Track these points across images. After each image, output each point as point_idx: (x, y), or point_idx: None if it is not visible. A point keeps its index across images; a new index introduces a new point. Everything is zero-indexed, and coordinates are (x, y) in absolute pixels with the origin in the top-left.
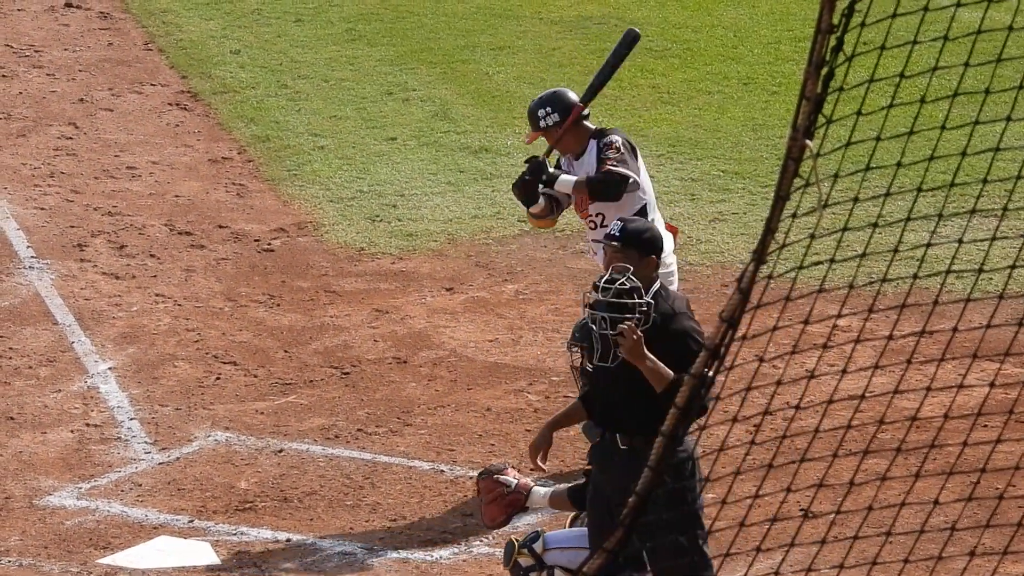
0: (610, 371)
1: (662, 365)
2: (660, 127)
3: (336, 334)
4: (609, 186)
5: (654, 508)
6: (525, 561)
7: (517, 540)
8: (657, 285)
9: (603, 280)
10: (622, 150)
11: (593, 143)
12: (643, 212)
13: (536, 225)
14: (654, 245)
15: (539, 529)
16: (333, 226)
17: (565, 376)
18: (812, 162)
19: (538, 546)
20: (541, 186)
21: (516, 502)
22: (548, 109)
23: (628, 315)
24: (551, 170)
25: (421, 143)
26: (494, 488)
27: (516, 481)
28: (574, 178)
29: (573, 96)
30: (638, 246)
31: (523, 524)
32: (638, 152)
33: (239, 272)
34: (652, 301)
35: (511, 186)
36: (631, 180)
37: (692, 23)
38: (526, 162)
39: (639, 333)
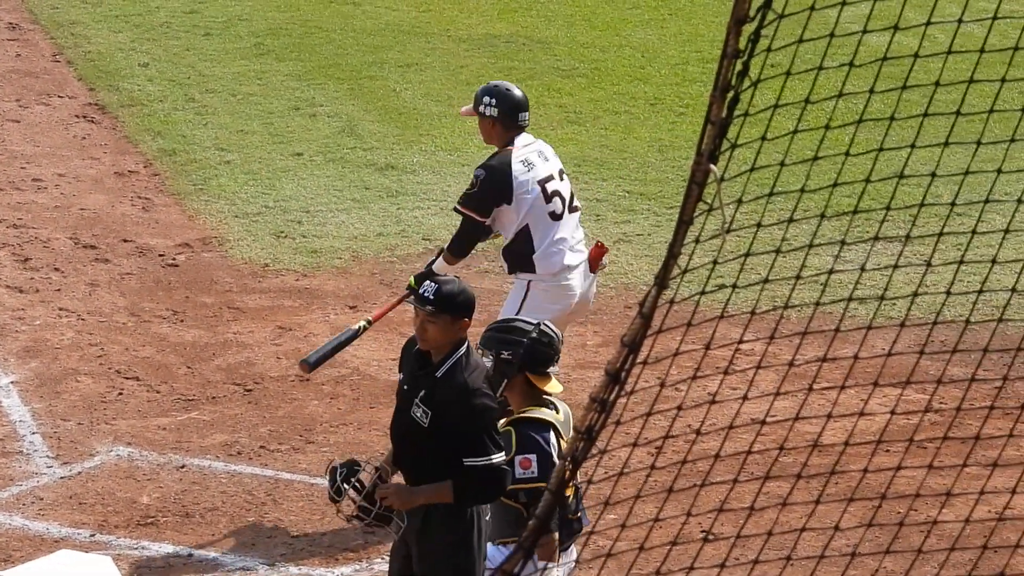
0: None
1: (436, 488)
2: (566, 147)
3: (239, 351)
4: (461, 234)
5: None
6: None
7: None
8: (462, 350)
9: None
10: (477, 188)
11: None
12: (526, 235)
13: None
14: (468, 308)
15: None
16: (238, 241)
17: None
18: (716, 186)
19: None
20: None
21: None
22: (493, 100)
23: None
24: (424, 272)
25: (327, 159)
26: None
27: None
28: (439, 260)
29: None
30: (451, 310)
31: None
32: (513, 181)
33: (143, 287)
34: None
35: None
36: (481, 225)
37: (600, 43)
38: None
39: (391, 490)
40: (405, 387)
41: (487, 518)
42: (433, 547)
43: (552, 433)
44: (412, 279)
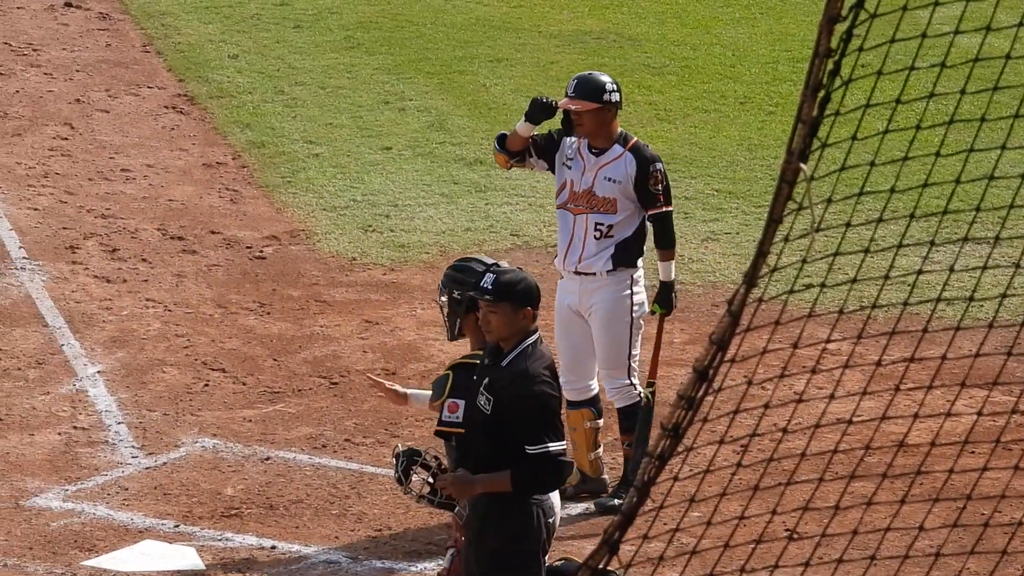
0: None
1: (494, 476)
2: (655, 144)
3: (326, 344)
4: (669, 234)
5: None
6: None
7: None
8: (529, 340)
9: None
10: (666, 182)
11: (627, 153)
12: (643, 228)
13: (496, 158)
14: (528, 297)
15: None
16: (325, 235)
17: None
18: (806, 185)
19: None
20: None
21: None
22: (615, 86)
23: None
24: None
25: (416, 153)
26: None
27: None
28: (665, 264)
29: None
30: (510, 298)
31: None
32: None
33: (230, 279)
34: None
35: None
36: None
37: (691, 40)
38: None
39: (449, 479)
40: (475, 377)
41: (552, 520)
42: (486, 548)
43: None
44: (655, 307)
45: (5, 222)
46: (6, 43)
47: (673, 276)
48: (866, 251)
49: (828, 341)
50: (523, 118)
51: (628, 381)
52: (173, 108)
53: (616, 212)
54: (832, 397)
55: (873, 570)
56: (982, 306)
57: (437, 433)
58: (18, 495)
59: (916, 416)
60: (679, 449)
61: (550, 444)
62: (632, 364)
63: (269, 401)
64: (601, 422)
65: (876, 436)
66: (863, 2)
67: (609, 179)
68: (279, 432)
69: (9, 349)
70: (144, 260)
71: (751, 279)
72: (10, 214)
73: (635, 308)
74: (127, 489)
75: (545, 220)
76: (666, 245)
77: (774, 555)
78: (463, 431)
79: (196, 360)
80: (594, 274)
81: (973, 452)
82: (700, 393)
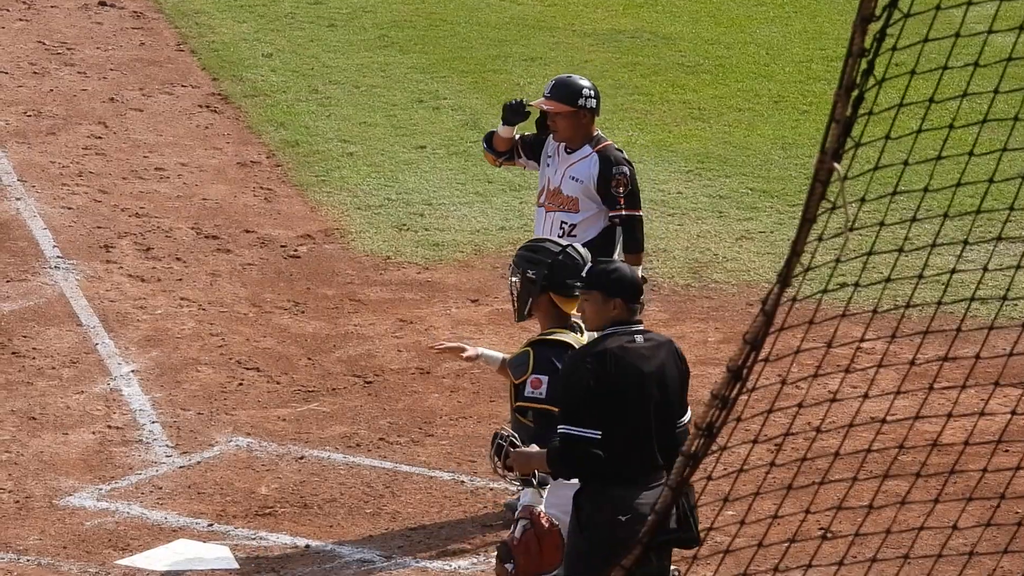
0: None
1: (539, 452)
2: (690, 143)
3: (360, 343)
4: (638, 235)
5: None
6: None
7: None
8: (616, 330)
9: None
10: (631, 186)
11: (593, 154)
12: (611, 233)
13: (485, 157)
14: (619, 287)
15: None
16: (360, 234)
17: None
18: (840, 184)
19: None
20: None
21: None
22: (592, 92)
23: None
24: None
25: (450, 152)
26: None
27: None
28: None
29: None
30: (600, 287)
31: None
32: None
33: (264, 278)
34: None
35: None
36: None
37: (725, 39)
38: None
39: (512, 455)
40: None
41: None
42: (570, 529)
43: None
44: None
45: (39, 221)
46: (40, 42)
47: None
48: (900, 250)
49: (862, 340)
50: (500, 121)
51: None
52: (207, 107)
53: (578, 211)
54: (866, 396)
55: (907, 569)
56: (1016, 305)
57: (517, 409)
58: (52, 494)
59: (950, 415)
60: (713, 448)
61: (571, 428)
62: None
63: (303, 400)
64: None
65: (910, 435)
66: (896, 2)
67: (574, 178)
68: (313, 431)
69: (43, 348)
70: (178, 259)
71: (785, 278)
72: (44, 213)
73: None
74: (161, 488)
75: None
76: (632, 249)
77: (808, 554)
78: (548, 407)
79: (230, 359)
80: None
81: (1007, 451)
82: (734, 392)
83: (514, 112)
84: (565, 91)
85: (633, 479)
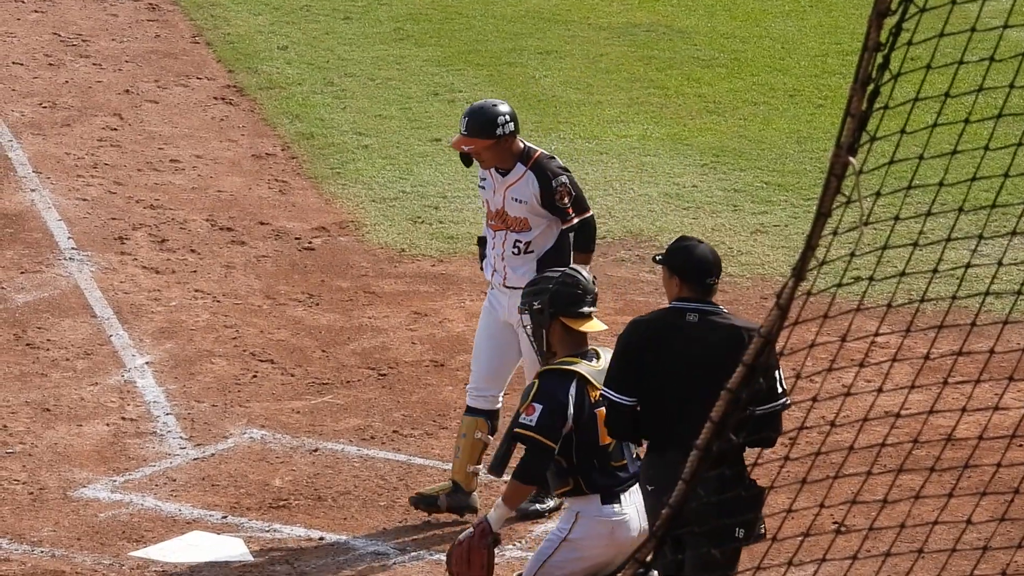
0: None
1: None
2: (705, 136)
3: (374, 335)
4: (590, 237)
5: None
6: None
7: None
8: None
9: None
10: (574, 192)
11: (528, 172)
12: (565, 238)
13: None
14: (681, 267)
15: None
16: (374, 226)
17: None
18: (855, 179)
19: None
20: None
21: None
22: (508, 116)
23: None
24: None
25: None
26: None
27: (472, 530)
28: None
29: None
30: (667, 262)
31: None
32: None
33: (279, 270)
34: None
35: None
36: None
37: (740, 33)
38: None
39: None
40: None
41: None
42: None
43: (574, 384)
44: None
45: (54, 212)
46: (55, 33)
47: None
48: (915, 244)
49: (876, 334)
50: None
51: None
52: (222, 99)
53: (530, 229)
54: (880, 390)
55: (921, 563)
56: None
57: (514, 436)
58: (66, 486)
59: (964, 409)
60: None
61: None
62: None
63: (317, 392)
64: (492, 439)
65: (924, 430)
66: None
67: (515, 199)
68: (327, 423)
69: (58, 340)
70: (193, 251)
71: (800, 272)
72: (59, 204)
73: None
74: (175, 480)
75: (595, 212)
76: (582, 248)
77: (822, 548)
78: (538, 436)
79: (244, 351)
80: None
81: (1021, 445)
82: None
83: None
84: (480, 125)
85: (690, 448)
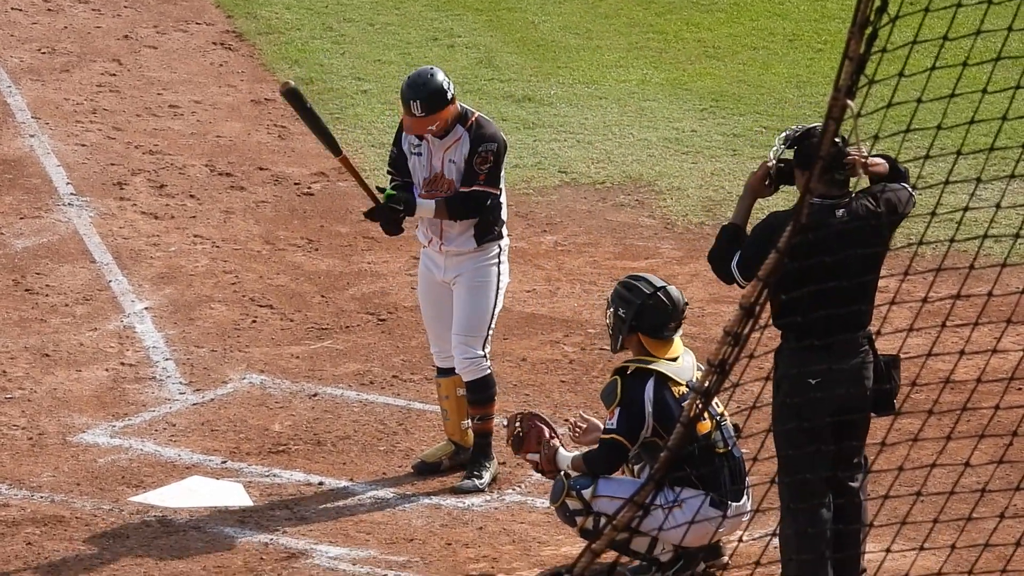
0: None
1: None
2: (704, 81)
3: (373, 280)
4: (470, 209)
5: None
6: (573, 504)
7: (568, 481)
8: None
9: None
10: (495, 163)
11: (464, 134)
12: (497, 210)
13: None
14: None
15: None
16: (374, 171)
17: (601, 328)
18: (853, 122)
19: (588, 492)
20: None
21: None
22: (448, 81)
23: None
24: (409, 197)
25: (465, 90)
26: (535, 427)
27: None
28: (432, 203)
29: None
30: (796, 155)
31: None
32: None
33: (278, 215)
34: None
35: (377, 220)
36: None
37: None
38: (388, 201)
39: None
40: None
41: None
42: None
43: (652, 383)
44: (390, 191)
45: (53, 158)
46: None
47: (421, 214)
48: (913, 187)
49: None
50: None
51: (481, 353)
52: (221, 44)
53: None
54: (879, 334)
55: (919, 506)
56: None
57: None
58: (65, 431)
59: (962, 353)
60: (725, 385)
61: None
62: (488, 336)
63: (317, 338)
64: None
65: (923, 373)
66: None
67: (452, 161)
68: (327, 368)
69: (57, 285)
70: (192, 196)
71: (797, 217)
72: (58, 150)
73: (501, 278)
74: (174, 425)
75: (593, 157)
76: (452, 214)
77: None
78: (620, 437)
79: (244, 296)
80: (459, 252)
81: (1020, 389)
82: (747, 330)
83: (392, 224)
84: (435, 99)
85: (827, 346)
